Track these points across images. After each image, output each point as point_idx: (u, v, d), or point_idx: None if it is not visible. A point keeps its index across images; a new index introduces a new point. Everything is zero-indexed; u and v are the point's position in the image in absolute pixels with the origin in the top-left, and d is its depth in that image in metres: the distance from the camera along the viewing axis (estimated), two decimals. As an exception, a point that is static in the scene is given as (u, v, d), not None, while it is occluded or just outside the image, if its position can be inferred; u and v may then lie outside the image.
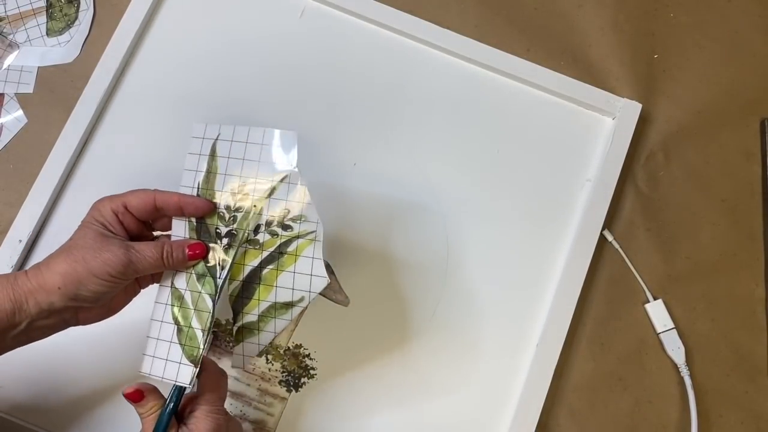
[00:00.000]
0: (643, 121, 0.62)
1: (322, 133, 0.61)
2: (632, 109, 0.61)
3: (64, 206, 0.59)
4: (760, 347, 0.59)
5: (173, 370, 0.47)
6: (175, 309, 0.48)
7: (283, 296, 0.47)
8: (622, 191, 0.61)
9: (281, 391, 0.56)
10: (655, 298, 0.59)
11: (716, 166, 0.62)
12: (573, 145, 0.62)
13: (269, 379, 0.56)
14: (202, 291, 0.47)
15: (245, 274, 0.48)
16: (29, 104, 0.62)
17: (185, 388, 0.45)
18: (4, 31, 0.65)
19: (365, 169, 0.61)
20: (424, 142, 0.61)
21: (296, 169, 0.47)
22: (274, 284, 0.47)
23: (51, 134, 0.60)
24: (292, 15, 0.64)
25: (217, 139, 0.49)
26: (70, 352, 0.57)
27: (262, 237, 0.47)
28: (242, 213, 0.48)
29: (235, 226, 0.48)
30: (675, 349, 0.57)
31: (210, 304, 0.47)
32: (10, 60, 0.64)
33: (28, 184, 0.58)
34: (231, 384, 0.56)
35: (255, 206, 0.48)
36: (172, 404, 0.44)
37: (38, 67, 0.63)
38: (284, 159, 0.48)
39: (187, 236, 0.48)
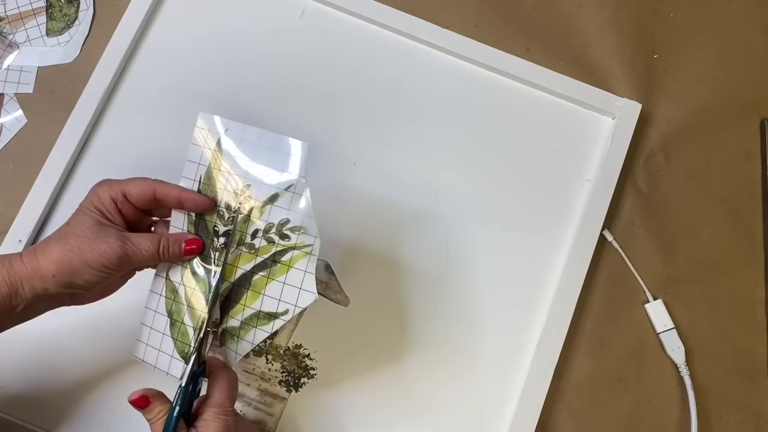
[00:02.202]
0: (643, 121, 0.62)
1: (322, 133, 0.61)
2: (632, 109, 0.61)
3: (64, 206, 0.59)
4: (760, 347, 0.59)
5: (165, 361, 0.48)
6: (169, 301, 0.48)
7: (269, 306, 0.46)
8: (622, 191, 0.61)
9: (281, 391, 0.56)
10: (655, 298, 0.59)
11: (716, 166, 0.62)
12: (573, 145, 0.62)
13: (269, 379, 0.56)
14: (196, 288, 0.47)
15: (236, 277, 0.47)
16: (29, 104, 0.62)
17: (191, 390, 0.45)
18: (4, 31, 0.65)
19: (365, 169, 0.61)
20: (424, 142, 0.61)
21: (304, 180, 0.47)
22: (262, 292, 0.46)
23: (51, 134, 0.60)
24: (292, 15, 0.64)
25: (224, 134, 0.48)
26: (70, 352, 0.57)
27: (258, 242, 0.47)
28: (243, 215, 0.48)
29: (233, 227, 0.48)
30: (675, 349, 0.57)
31: (203, 302, 0.47)
32: (10, 60, 0.64)
33: (28, 184, 0.58)
34: (231, 384, 0.56)
35: (256, 210, 0.47)
36: (178, 407, 0.44)
37: (38, 67, 0.63)
38: (294, 168, 0.47)
39: (186, 230, 0.48)
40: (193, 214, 0.48)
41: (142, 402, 0.44)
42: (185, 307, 0.47)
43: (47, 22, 0.65)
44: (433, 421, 0.56)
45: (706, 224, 0.61)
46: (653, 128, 0.63)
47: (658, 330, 0.58)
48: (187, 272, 0.48)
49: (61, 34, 0.64)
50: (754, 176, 0.62)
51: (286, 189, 0.47)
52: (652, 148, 0.62)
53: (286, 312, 0.46)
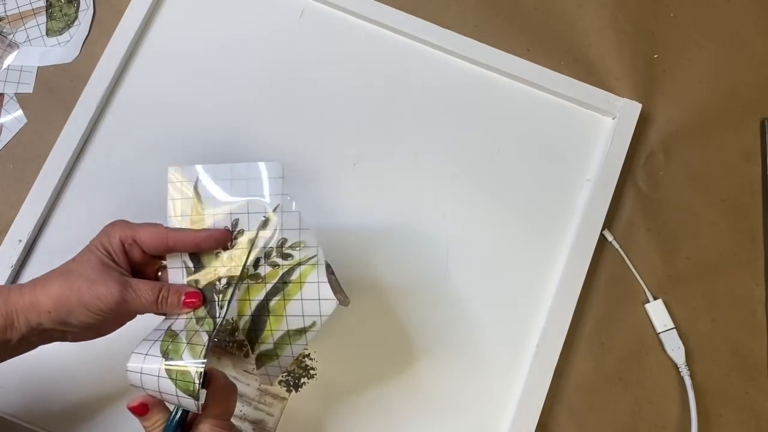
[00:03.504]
0: (643, 121, 0.62)
1: (322, 133, 0.61)
2: (632, 109, 0.61)
3: (64, 206, 0.59)
4: (760, 347, 0.59)
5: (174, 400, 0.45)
6: (165, 344, 0.45)
7: (295, 323, 0.47)
8: (622, 191, 0.61)
9: (281, 391, 0.56)
10: (655, 298, 0.59)
11: (716, 166, 0.62)
12: (573, 145, 0.62)
13: (269, 379, 0.56)
14: (200, 329, 0.46)
15: (253, 309, 0.47)
16: (29, 104, 0.62)
17: None
18: (4, 31, 0.65)
19: (365, 169, 0.61)
20: (424, 142, 0.61)
21: (288, 196, 0.47)
22: (284, 314, 0.47)
23: (51, 134, 0.60)
24: (292, 15, 0.64)
25: (198, 181, 0.49)
26: (70, 352, 0.57)
27: (263, 270, 0.47)
28: (240, 249, 0.47)
29: (233, 263, 0.47)
30: (675, 349, 0.57)
31: (206, 338, 0.44)
32: (9, 60, 0.64)
33: (28, 184, 0.58)
34: (231, 384, 0.56)
35: (249, 241, 0.47)
36: (177, 416, 0.43)
37: (38, 67, 0.63)
38: (274, 189, 0.47)
39: (185, 282, 0.47)
40: (191, 265, 0.47)
41: (141, 409, 0.44)
42: (185, 345, 0.44)
43: (47, 21, 0.65)
44: (433, 421, 0.56)
45: (706, 224, 0.61)
46: (653, 128, 0.63)
47: (658, 330, 0.58)
48: (192, 321, 0.46)
49: (61, 34, 0.64)
50: (754, 176, 0.62)
51: (274, 211, 0.47)
52: (652, 148, 0.62)
53: (313, 324, 0.47)
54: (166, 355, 0.43)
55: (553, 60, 0.63)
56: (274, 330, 0.47)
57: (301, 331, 0.47)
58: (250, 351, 0.49)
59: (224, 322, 0.57)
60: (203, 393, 0.44)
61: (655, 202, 0.61)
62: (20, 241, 0.57)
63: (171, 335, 0.45)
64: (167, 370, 0.43)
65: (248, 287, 0.47)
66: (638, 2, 0.65)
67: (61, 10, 0.65)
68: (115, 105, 0.62)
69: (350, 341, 0.57)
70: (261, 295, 0.47)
